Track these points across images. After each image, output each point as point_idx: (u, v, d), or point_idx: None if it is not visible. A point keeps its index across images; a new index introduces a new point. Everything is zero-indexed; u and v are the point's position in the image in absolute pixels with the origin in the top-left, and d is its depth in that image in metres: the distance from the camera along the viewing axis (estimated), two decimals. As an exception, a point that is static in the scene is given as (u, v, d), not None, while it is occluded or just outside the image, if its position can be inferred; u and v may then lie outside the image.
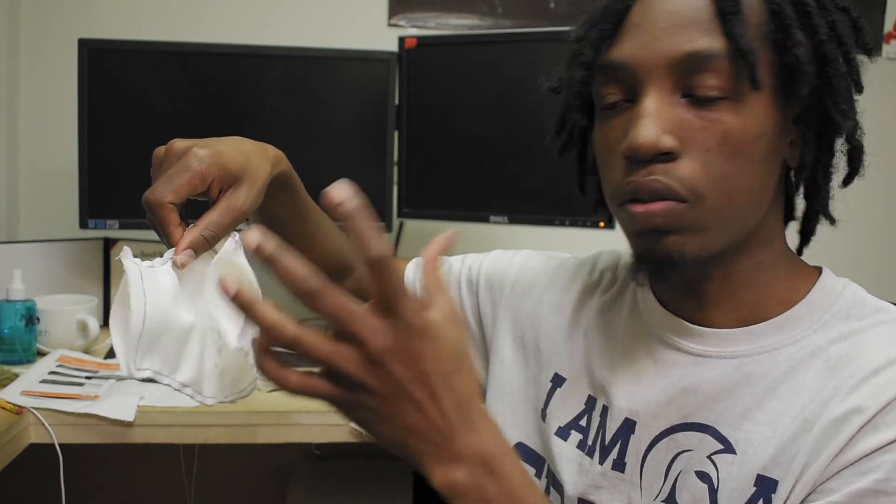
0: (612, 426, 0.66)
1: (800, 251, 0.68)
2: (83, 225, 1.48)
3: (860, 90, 0.62)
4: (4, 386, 1.15)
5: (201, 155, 0.62)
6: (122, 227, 1.49)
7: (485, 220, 1.48)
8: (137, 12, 1.68)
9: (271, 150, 0.72)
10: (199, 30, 1.66)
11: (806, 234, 0.69)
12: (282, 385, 0.48)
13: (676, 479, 0.61)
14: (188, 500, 1.62)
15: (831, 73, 0.58)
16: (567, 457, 0.69)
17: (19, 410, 1.07)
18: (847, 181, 0.65)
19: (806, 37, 0.57)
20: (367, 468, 1.58)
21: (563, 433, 0.70)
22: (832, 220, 0.67)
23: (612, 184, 0.61)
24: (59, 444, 1.08)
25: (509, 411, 0.76)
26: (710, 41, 0.56)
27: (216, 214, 0.62)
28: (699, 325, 0.65)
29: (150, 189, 0.61)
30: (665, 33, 0.58)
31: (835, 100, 0.58)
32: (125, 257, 0.55)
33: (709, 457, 0.60)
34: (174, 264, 0.57)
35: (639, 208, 0.59)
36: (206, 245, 0.60)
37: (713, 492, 0.59)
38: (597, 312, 0.74)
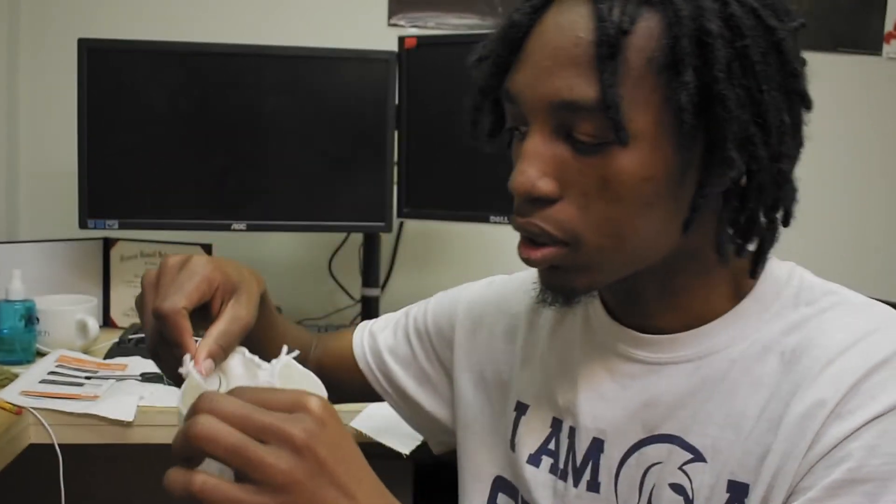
0: (582, 447, 0.66)
1: (753, 271, 0.62)
2: (83, 225, 1.48)
3: (807, 106, 0.58)
4: (4, 386, 1.15)
5: (203, 262, 0.63)
6: (121, 227, 1.49)
7: (485, 220, 1.48)
8: (137, 12, 1.68)
9: (249, 269, 0.72)
10: (199, 30, 1.65)
11: (755, 258, 0.62)
12: (187, 489, 0.44)
13: (651, 494, 0.61)
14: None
15: (721, 115, 0.53)
16: (541, 483, 0.68)
17: (19, 411, 1.07)
18: (781, 215, 0.61)
19: (697, 75, 0.53)
20: (367, 468, 1.58)
21: (534, 460, 0.69)
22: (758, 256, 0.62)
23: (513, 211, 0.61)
24: (59, 445, 1.08)
25: (481, 447, 0.75)
26: (584, 89, 0.54)
27: (224, 324, 0.61)
28: (649, 332, 0.64)
29: (159, 299, 0.60)
30: (547, 73, 0.55)
31: (724, 143, 0.54)
32: (191, 368, 0.55)
33: (680, 468, 0.59)
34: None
35: (523, 252, 0.59)
36: (222, 355, 0.60)
37: (689, 503, 0.59)
38: (549, 331, 0.73)
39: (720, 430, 0.58)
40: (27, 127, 1.69)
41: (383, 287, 1.72)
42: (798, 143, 0.59)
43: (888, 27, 1.80)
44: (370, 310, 1.62)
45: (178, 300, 0.59)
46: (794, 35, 0.57)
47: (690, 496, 0.59)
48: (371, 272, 1.63)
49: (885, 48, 1.81)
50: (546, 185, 0.56)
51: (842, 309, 0.59)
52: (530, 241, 0.59)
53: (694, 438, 0.59)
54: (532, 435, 0.70)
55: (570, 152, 0.56)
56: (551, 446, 0.69)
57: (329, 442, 0.46)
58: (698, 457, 0.59)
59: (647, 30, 0.53)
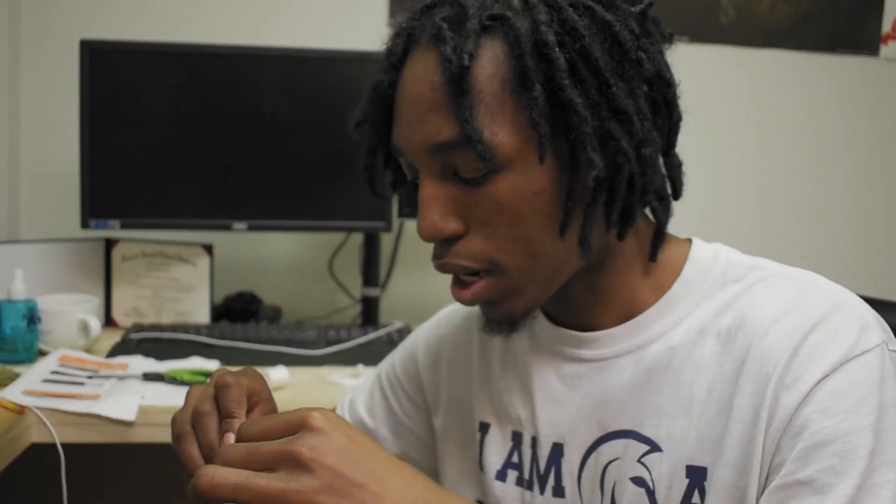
0: (543, 454, 0.67)
1: (653, 253, 0.64)
2: (84, 225, 1.48)
3: (667, 84, 0.59)
4: (6, 385, 1.15)
5: (258, 376, 0.66)
6: (123, 227, 1.49)
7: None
8: (137, 12, 1.69)
9: None
10: (200, 30, 1.66)
11: (653, 239, 0.64)
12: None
13: (613, 491, 0.62)
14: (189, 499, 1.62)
15: (574, 119, 0.54)
16: (510, 497, 0.69)
17: (21, 410, 1.08)
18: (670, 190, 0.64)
19: (545, 87, 0.54)
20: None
21: (501, 476, 0.70)
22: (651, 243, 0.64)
23: None
24: (61, 444, 1.08)
25: (459, 476, 0.76)
26: (448, 130, 0.55)
27: None
28: (587, 330, 0.65)
29: (221, 375, 0.62)
30: (416, 122, 0.57)
31: (584, 146, 0.55)
32: None
33: (638, 460, 0.60)
34: None
35: (455, 293, 0.61)
36: None
37: (651, 493, 0.59)
38: (501, 347, 0.74)
39: (672, 418, 0.59)
40: (28, 127, 1.69)
41: (383, 287, 1.73)
42: (675, 120, 0.61)
43: (886, 28, 1.81)
44: (370, 310, 1.63)
45: (241, 378, 0.62)
46: (641, 17, 0.58)
47: (651, 487, 0.59)
48: (371, 272, 1.63)
49: (883, 49, 1.81)
50: (449, 224, 0.58)
51: (767, 282, 0.61)
52: (460, 282, 0.61)
53: (648, 430, 0.61)
54: (496, 452, 0.71)
55: (461, 189, 0.58)
56: (515, 459, 0.70)
57: (336, 450, 0.46)
58: (654, 447, 0.60)
59: (492, 58, 0.55)
